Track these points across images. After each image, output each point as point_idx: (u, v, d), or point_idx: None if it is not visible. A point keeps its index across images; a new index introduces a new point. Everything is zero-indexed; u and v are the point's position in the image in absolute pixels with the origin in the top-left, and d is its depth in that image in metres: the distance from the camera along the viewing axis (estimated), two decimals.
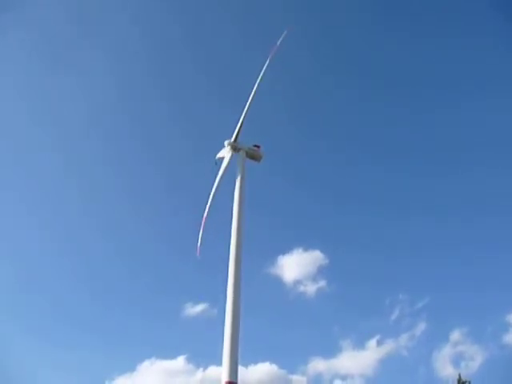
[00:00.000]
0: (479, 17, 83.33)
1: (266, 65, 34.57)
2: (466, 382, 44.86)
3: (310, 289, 78.03)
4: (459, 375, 45.63)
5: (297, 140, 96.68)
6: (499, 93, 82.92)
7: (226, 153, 33.79)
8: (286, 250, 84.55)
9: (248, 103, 33.82)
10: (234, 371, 24.17)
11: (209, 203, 33.90)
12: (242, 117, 33.58)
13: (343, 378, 66.87)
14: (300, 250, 79.54)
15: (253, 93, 33.89)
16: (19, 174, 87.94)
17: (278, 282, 78.76)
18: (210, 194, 34.26)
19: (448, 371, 56.86)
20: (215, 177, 34.39)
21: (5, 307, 65.74)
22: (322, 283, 77.57)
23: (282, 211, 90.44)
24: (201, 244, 34.42)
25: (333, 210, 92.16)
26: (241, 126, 33.56)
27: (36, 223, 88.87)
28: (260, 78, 34.24)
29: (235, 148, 33.15)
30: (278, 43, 35.25)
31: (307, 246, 78.67)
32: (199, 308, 74.87)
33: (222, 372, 24.31)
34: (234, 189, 31.14)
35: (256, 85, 34.09)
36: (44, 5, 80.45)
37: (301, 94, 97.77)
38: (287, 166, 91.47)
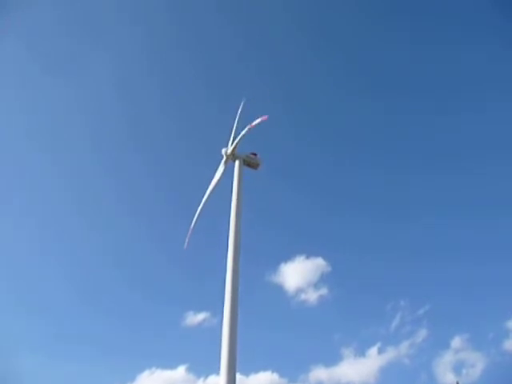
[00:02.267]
0: (480, 17, 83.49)
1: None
2: None
3: (312, 296, 77.76)
4: (457, 383, 45.54)
5: (298, 146, 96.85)
6: (500, 91, 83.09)
7: (222, 162, 33.91)
8: (288, 257, 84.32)
9: (238, 115, 34.54)
10: (231, 381, 23.97)
11: (199, 209, 34.30)
12: (235, 127, 34.11)
13: None
14: (302, 258, 79.36)
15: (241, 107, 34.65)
16: (18, 186, 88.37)
17: (279, 290, 78.53)
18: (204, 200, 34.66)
19: (449, 378, 56.50)
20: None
21: (3, 320, 65.54)
22: (324, 291, 77.36)
23: (285, 218, 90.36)
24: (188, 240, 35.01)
25: (335, 217, 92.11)
26: (236, 135, 33.75)
27: (34, 234, 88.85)
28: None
29: (232, 156, 33.21)
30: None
31: (309, 254, 78.48)
32: (200, 317, 74.55)
33: (220, 382, 24.11)
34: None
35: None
36: (43, 11, 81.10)
37: (299, 99, 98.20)
38: (289, 173, 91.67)
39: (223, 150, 33.82)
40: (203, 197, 34.89)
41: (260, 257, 79.63)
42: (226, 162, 33.72)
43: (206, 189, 34.92)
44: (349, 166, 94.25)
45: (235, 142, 33.72)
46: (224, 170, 33.76)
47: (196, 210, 35.00)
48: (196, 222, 34.80)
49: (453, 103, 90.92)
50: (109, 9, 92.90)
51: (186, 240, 35.12)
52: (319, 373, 68.23)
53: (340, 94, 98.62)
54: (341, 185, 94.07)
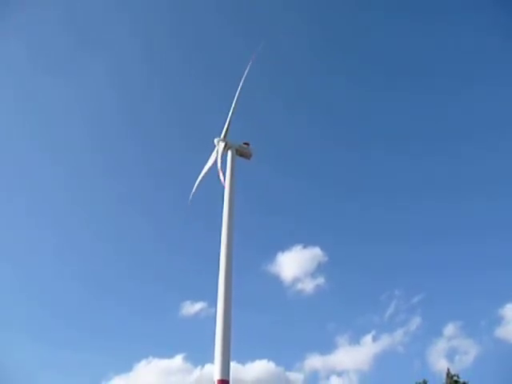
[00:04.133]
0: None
1: (247, 70, 34.47)
2: (454, 375, 45.37)
3: (308, 286, 78.25)
4: (448, 369, 46.31)
5: (295, 135, 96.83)
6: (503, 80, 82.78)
7: (215, 151, 33.61)
8: (285, 246, 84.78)
9: (234, 103, 33.57)
10: (225, 369, 24.08)
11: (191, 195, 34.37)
12: (230, 115, 33.36)
13: (339, 374, 67.26)
14: (299, 247, 79.55)
15: (237, 93, 33.72)
16: (20, 182, 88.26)
17: (276, 279, 78.90)
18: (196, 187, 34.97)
19: (442, 365, 57.08)
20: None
21: (4, 308, 65.84)
22: (321, 280, 77.81)
23: (282, 208, 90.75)
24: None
25: (333, 206, 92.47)
26: (229, 124, 33.28)
27: (35, 225, 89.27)
28: (242, 81, 34.13)
29: (225, 146, 32.82)
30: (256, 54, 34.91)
31: (307, 243, 78.72)
32: (198, 307, 74.96)
33: (214, 370, 24.21)
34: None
35: (240, 87, 33.94)
36: (43, 10, 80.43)
37: (293, 84, 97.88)
38: (286, 162, 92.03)
39: (216, 140, 33.57)
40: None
41: (257, 246, 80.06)
42: (218, 151, 33.42)
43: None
44: (345, 155, 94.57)
45: (227, 121, 33.37)
46: (217, 159, 33.31)
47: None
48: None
49: (456, 88, 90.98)
50: (107, 9, 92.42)
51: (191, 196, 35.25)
52: (314, 361, 69.01)
53: (336, 81, 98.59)
54: (338, 174, 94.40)
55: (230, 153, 32.51)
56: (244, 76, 34.19)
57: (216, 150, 33.37)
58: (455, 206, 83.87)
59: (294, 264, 78.95)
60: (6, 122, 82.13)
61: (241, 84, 33.96)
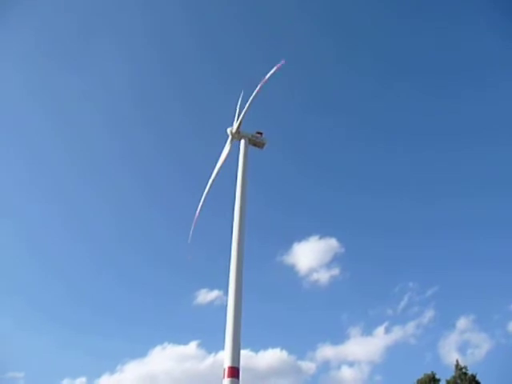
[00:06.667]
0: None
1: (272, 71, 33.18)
2: (463, 367, 45.41)
3: (323, 276, 78.55)
4: (457, 361, 46.40)
5: (308, 124, 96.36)
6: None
7: (228, 141, 33.61)
8: (301, 237, 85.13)
9: (250, 100, 33.02)
10: (236, 356, 24.30)
11: (205, 192, 34.05)
12: (246, 107, 32.97)
13: (351, 364, 67.66)
14: (316, 238, 79.65)
15: (258, 88, 32.91)
16: (33, 174, 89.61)
17: (291, 269, 79.31)
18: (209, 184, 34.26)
19: (454, 358, 56.94)
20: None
21: (23, 291, 67.83)
22: (336, 271, 77.99)
23: (299, 198, 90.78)
24: (191, 239, 34.59)
25: (350, 197, 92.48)
26: (244, 115, 32.93)
27: (56, 213, 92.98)
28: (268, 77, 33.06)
29: (237, 135, 32.78)
30: (268, 76, 33.25)
31: (323, 234, 78.85)
32: (213, 294, 75.90)
33: (224, 357, 24.50)
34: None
35: (261, 83, 33.07)
36: (54, 2, 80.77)
37: (308, 77, 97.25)
38: (303, 153, 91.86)
39: (229, 130, 33.52)
40: (210, 178, 34.45)
41: (273, 236, 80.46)
42: (231, 141, 33.45)
43: (215, 167, 34.49)
44: (364, 147, 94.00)
45: (242, 114, 32.98)
46: (230, 150, 33.44)
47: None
48: (202, 206, 34.24)
49: (462, 87, 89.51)
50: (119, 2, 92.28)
51: (191, 232, 34.56)
52: (326, 350, 69.51)
53: (352, 76, 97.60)
54: (355, 165, 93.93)
55: (242, 142, 32.38)
56: (268, 75, 33.17)
57: (228, 141, 33.40)
58: (470, 200, 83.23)
59: (309, 254, 79.39)
60: (17, 112, 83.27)
61: (264, 80, 33.14)
